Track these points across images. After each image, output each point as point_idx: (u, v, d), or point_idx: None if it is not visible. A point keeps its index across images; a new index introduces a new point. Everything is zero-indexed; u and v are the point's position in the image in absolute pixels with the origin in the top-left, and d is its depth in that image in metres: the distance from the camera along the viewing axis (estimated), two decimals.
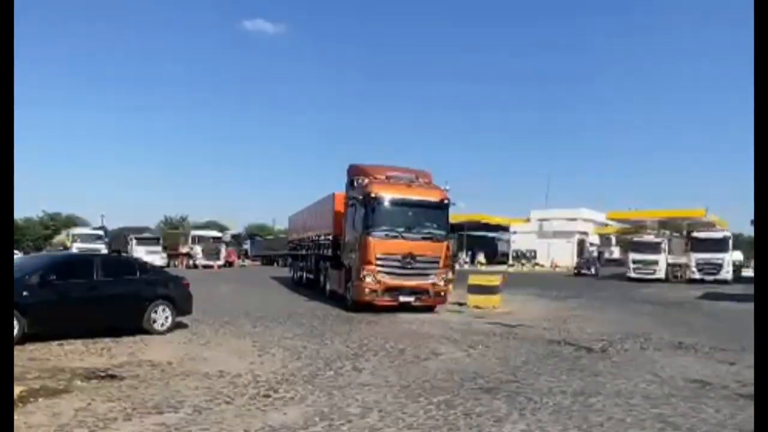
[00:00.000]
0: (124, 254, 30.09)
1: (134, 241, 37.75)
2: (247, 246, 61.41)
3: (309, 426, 5.05)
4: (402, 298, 13.90)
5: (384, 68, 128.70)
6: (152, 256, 32.39)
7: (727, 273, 28.77)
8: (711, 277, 28.50)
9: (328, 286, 17.41)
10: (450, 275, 15.42)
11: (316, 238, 19.57)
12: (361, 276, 13.70)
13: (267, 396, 6.05)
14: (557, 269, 47.81)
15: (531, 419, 5.35)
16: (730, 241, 29.71)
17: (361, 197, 14.22)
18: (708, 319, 13.79)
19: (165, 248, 40.34)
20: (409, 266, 13.85)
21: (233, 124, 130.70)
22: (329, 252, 17.31)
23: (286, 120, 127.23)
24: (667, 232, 34.02)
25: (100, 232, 43.26)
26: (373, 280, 13.64)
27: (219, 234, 47.94)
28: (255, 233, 70.24)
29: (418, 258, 13.94)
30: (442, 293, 14.62)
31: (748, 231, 38.39)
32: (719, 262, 28.83)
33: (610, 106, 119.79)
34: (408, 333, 10.25)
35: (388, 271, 13.78)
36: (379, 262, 13.71)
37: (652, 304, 17.35)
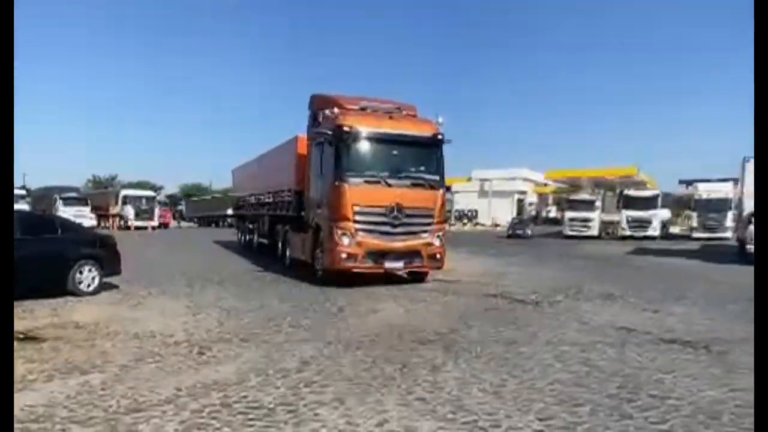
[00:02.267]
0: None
1: (60, 202, 35.62)
2: (182, 207, 59.52)
3: (243, 381, 4.94)
4: (388, 264, 11.01)
5: None
6: (80, 217, 30.82)
7: (655, 230, 30.27)
8: (641, 234, 29.93)
9: (288, 253, 14.29)
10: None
11: (272, 194, 16.30)
12: (335, 237, 10.70)
13: (201, 354, 5.89)
14: (498, 228, 49.08)
15: (465, 367, 5.44)
16: (659, 199, 31.19)
17: (330, 132, 11.09)
18: (636, 273, 14.50)
19: (94, 209, 38.34)
20: (396, 222, 10.93)
21: (165, 77, 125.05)
22: (289, 211, 14.00)
23: (227, 67, 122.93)
24: (602, 191, 35.37)
25: (23, 192, 40.76)
26: (350, 241, 10.67)
27: (152, 194, 45.85)
28: (191, 193, 68.07)
29: (408, 211, 11.02)
30: (438, 256, 11.54)
31: (676, 190, 40.47)
32: (648, 219, 30.26)
33: (550, 70, 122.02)
34: (347, 291, 10.23)
35: (369, 228, 10.81)
36: (357, 218, 10.73)
37: (585, 260, 18.08)
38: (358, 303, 9.08)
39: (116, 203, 40.78)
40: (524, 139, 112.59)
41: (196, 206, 57.18)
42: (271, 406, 4.34)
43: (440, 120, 12.00)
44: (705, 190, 30.46)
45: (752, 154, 19.46)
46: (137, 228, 37.80)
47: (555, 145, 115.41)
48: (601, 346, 6.29)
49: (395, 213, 10.89)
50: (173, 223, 48.02)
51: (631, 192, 32.41)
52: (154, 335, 6.69)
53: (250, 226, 20.47)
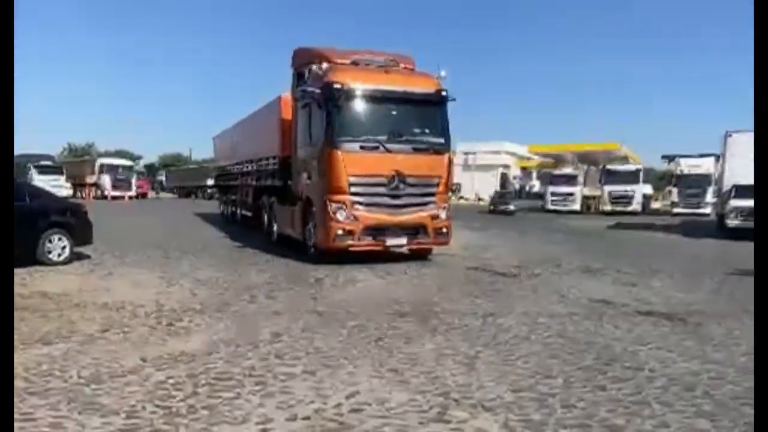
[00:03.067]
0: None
1: (34, 171, 34.69)
2: (162, 177, 58.53)
3: (212, 353, 4.82)
4: (390, 241, 9.95)
5: None
6: (56, 186, 30.15)
7: (637, 204, 30.46)
8: (622, 209, 30.10)
9: (275, 228, 12.96)
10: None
11: (255, 163, 14.87)
12: (329, 211, 9.57)
13: (170, 325, 5.74)
14: (481, 202, 49.12)
15: (441, 339, 5.37)
16: (641, 174, 31.31)
17: (318, 91, 9.85)
18: (616, 247, 14.56)
19: (70, 178, 37.45)
20: (398, 193, 9.82)
21: (145, 41, 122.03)
22: (275, 181, 12.73)
23: (209, 32, 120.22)
24: (585, 166, 35.43)
25: None
26: (346, 216, 9.58)
27: (130, 163, 44.82)
28: (170, 163, 66.80)
29: (411, 180, 9.88)
30: (445, 231, 10.47)
31: (659, 165, 40.69)
32: (630, 194, 30.41)
33: (536, 46, 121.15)
34: (327, 263, 10.09)
35: (367, 201, 9.74)
36: (354, 189, 9.63)
37: (566, 234, 18.13)
38: (336, 275, 8.96)
39: (93, 172, 39.89)
40: (509, 113, 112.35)
41: (175, 176, 56.22)
42: (239, 377, 4.22)
43: (443, 74, 10.75)
44: (686, 166, 30.61)
45: (735, 128, 19.55)
46: (114, 198, 37.17)
47: (539, 120, 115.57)
48: (577, 319, 6.25)
49: (396, 183, 9.74)
50: (152, 194, 47.26)
51: (613, 167, 32.50)
52: (124, 306, 6.52)
53: (233, 197, 19.31)
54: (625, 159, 35.65)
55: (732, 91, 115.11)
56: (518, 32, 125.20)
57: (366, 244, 9.83)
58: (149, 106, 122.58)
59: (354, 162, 9.61)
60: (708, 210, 27.80)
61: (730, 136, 19.20)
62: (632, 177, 30.77)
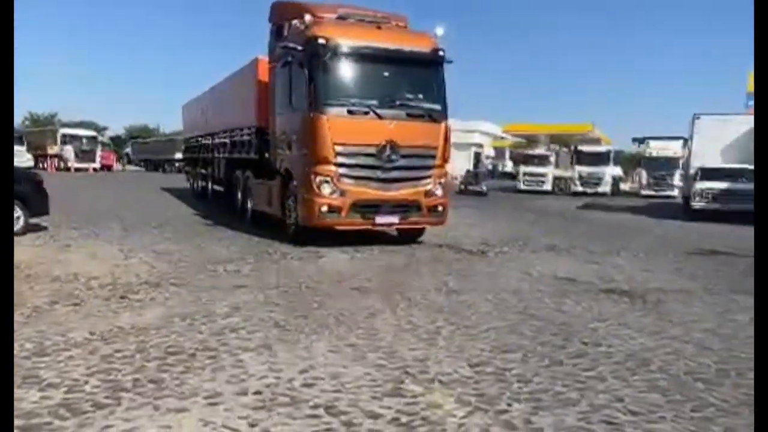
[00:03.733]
0: None
1: None
2: (128, 150, 57.04)
3: (165, 326, 4.67)
4: (381, 219, 9.05)
5: None
6: (16, 156, 29.08)
7: (606, 186, 30.84)
8: (592, 190, 30.47)
9: (249, 204, 12.03)
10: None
11: (228, 133, 13.65)
12: (312, 185, 8.60)
13: (123, 298, 5.55)
14: (455, 181, 49.22)
15: (402, 314, 5.31)
16: (611, 156, 31.68)
17: (300, 48, 8.85)
18: (584, 227, 14.71)
19: (31, 148, 36.11)
20: (390, 165, 8.87)
21: (113, 16, 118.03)
22: (250, 153, 11.60)
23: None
24: (558, 147, 35.70)
25: None
26: (332, 190, 8.65)
27: (94, 134, 43.28)
28: (137, 135, 64.91)
29: (404, 151, 8.93)
30: (441, 209, 9.56)
31: (629, 148, 41.24)
32: (600, 175, 30.77)
33: (510, 26, 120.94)
34: (306, 243, 9.92)
35: (356, 174, 8.81)
36: (340, 160, 8.67)
37: (536, 214, 18.26)
38: (301, 249, 8.82)
39: (55, 143, 38.55)
40: (483, 93, 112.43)
41: (142, 149, 54.73)
42: (192, 351, 4.09)
43: (438, 33, 9.82)
44: (655, 148, 31.06)
45: (703, 111, 19.84)
46: (77, 170, 36.08)
47: (514, 99, 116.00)
48: (540, 296, 6.27)
49: (388, 153, 8.77)
50: (117, 166, 46.05)
51: (585, 148, 32.77)
52: (77, 278, 6.30)
53: (203, 171, 18.04)
54: (597, 141, 36.02)
55: (704, 76, 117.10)
56: (494, 18, 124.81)
57: (354, 222, 8.94)
58: (116, 75, 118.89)
59: (341, 129, 8.63)
60: (675, 192, 28.31)
61: (698, 118, 19.49)
62: (602, 158, 31.10)
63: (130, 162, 54.71)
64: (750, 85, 29.96)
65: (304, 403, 3.27)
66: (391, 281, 6.83)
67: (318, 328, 4.79)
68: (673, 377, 3.85)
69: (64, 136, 38.69)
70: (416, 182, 9.21)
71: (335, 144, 8.63)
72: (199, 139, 18.10)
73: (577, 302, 5.99)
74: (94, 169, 37.70)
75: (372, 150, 8.82)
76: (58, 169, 36.50)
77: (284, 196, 9.69)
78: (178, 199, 18.68)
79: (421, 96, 9.39)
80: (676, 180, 28.69)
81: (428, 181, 9.31)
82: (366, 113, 8.82)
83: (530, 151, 34.98)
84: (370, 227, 9.25)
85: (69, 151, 37.12)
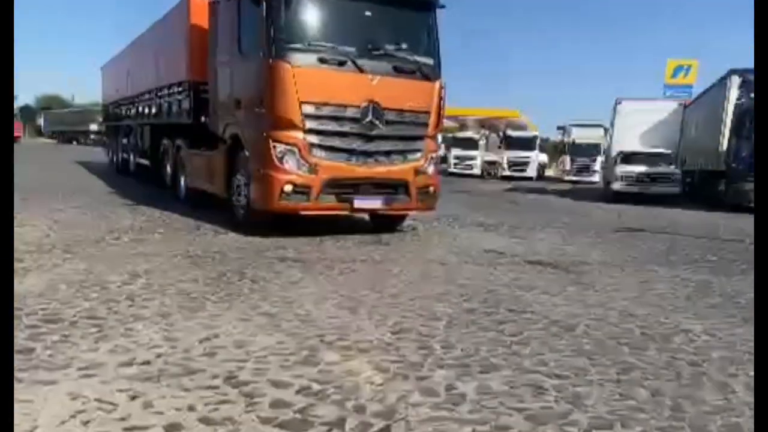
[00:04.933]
0: None
1: None
2: (41, 121, 53.11)
3: (47, 293, 4.08)
4: (360, 203, 7.23)
5: None
6: None
7: (532, 171, 31.66)
8: (519, 174, 31.18)
9: (182, 181, 10.17)
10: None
11: (154, 94, 11.54)
12: (272, 157, 6.76)
13: None
14: None
15: (324, 284, 4.96)
16: (537, 141, 32.56)
17: None
18: (510, 207, 14.88)
19: None
20: (373, 133, 7.15)
21: None
22: (182, 117, 9.59)
23: None
24: (486, 132, 36.27)
25: None
26: (299, 164, 6.81)
27: None
28: (49, 106, 60.27)
29: (390, 115, 7.24)
30: (432, 191, 7.87)
31: (554, 136, 42.56)
32: (527, 160, 31.54)
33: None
34: (213, 212, 9.32)
35: (330, 144, 7.02)
36: (310, 124, 6.85)
37: (465, 195, 18.36)
38: (217, 220, 8.24)
39: None
40: None
41: (55, 120, 50.99)
42: (74, 319, 3.56)
43: None
44: (577, 136, 32.17)
45: (624, 96, 20.59)
46: None
47: (454, 84, 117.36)
48: (467, 266, 6.09)
49: (371, 117, 7.01)
50: (24, 139, 42.64)
51: (512, 133, 33.49)
52: None
53: (125, 141, 15.64)
54: (524, 127, 36.87)
55: (625, 68, 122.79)
56: None
57: (327, 206, 7.10)
58: (26, 40, 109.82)
59: (310, 83, 6.71)
60: (596, 178, 29.47)
61: (620, 103, 20.23)
62: (529, 144, 31.90)
63: (40, 134, 50.86)
64: (667, 76, 31.58)
65: (200, 373, 2.86)
66: (314, 251, 6.45)
67: (228, 297, 4.35)
68: (599, 342, 3.73)
69: None
70: (404, 156, 7.50)
71: (302, 103, 6.70)
72: (121, 104, 15.69)
73: (503, 273, 5.85)
74: None
75: (350, 113, 6.99)
76: None
77: (230, 170, 7.79)
78: (92, 173, 17.28)
79: (409, 46, 7.53)
80: (597, 166, 29.87)
81: (418, 155, 7.59)
82: (342, 63, 6.95)
83: (460, 135, 35.33)
84: (346, 213, 7.41)
85: None
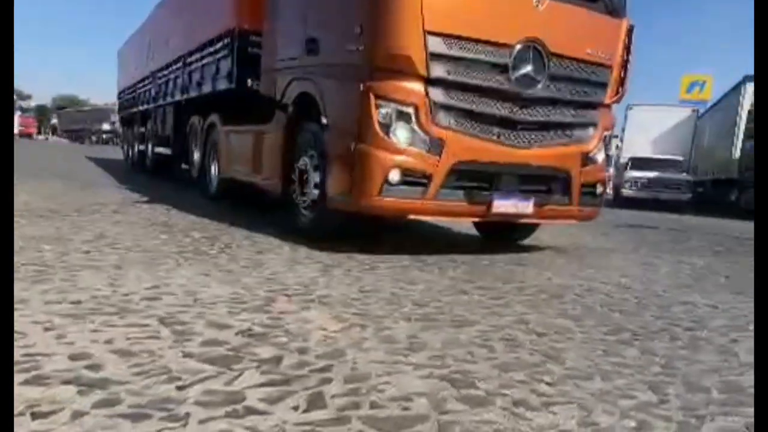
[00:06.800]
0: None
1: None
2: (55, 120, 53.73)
3: None
4: (501, 203, 4.62)
5: None
6: None
7: None
8: None
9: (214, 171, 7.85)
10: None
11: (182, 62, 9.08)
12: (374, 124, 4.26)
13: None
14: None
15: (302, 249, 4.66)
16: None
17: None
18: None
19: None
20: (527, 90, 4.58)
21: None
22: (221, 82, 7.12)
23: None
24: None
25: None
26: (414, 135, 4.31)
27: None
28: (64, 106, 60.86)
29: (558, 63, 4.69)
30: (599, 190, 5.30)
31: None
32: None
33: None
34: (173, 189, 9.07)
35: (463, 106, 4.44)
36: (437, 70, 4.30)
37: None
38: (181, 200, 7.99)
39: None
40: None
41: (68, 118, 51.55)
42: (18, 267, 3.29)
43: None
44: None
45: (637, 102, 20.18)
46: None
47: None
48: (463, 243, 5.77)
49: (530, 67, 4.53)
50: (39, 136, 42.98)
51: None
52: None
53: (142, 129, 13.12)
54: None
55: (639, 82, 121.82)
56: None
57: (451, 208, 4.57)
58: (45, 38, 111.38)
59: (442, 2, 4.28)
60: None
61: (631, 109, 19.83)
62: None
63: (54, 133, 51.37)
64: (682, 91, 30.98)
65: (134, 313, 2.57)
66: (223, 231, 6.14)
67: (196, 257, 4.07)
68: (588, 308, 3.40)
69: None
70: (569, 133, 4.92)
71: (429, 33, 4.21)
72: (139, 86, 13.39)
73: (499, 251, 5.52)
74: None
75: (497, 56, 4.43)
76: None
77: (290, 152, 5.36)
78: (102, 168, 14.95)
79: None
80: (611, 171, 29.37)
81: (591, 132, 5.02)
82: None
83: None
84: (476, 218, 5.03)
85: None
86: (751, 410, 1.92)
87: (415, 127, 4.32)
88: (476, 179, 4.62)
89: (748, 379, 2.28)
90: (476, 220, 5.17)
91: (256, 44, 6.43)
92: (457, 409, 1.80)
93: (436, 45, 4.27)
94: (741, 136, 16.30)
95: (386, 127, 4.28)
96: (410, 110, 4.30)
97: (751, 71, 17.52)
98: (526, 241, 6.17)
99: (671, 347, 2.70)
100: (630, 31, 5.12)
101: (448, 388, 1.97)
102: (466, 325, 2.82)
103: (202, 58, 8.03)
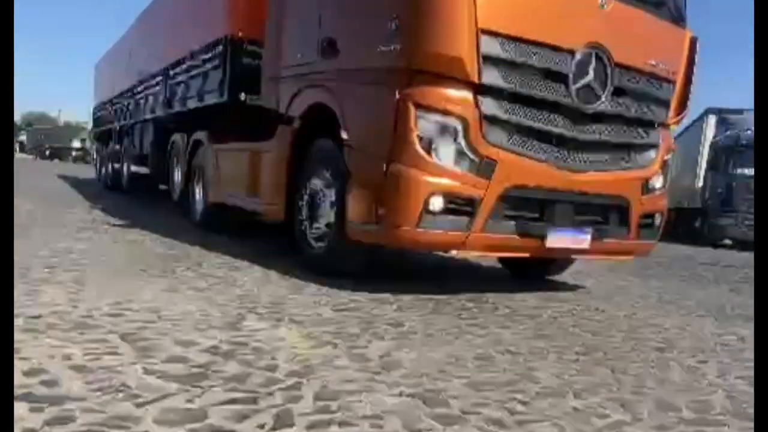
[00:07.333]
0: None
1: None
2: (23, 137, 52.56)
3: None
4: (556, 237, 3.90)
5: None
6: None
7: None
8: None
9: (198, 194, 7.01)
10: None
11: (167, 73, 8.21)
12: (413, 139, 3.50)
13: None
14: None
15: (279, 268, 4.56)
16: None
17: None
18: None
19: None
20: (589, 105, 3.93)
21: None
22: (211, 95, 6.37)
23: None
24: None
25: None
26: (460, 154, 3.57)
27: None
28: (33, 123, 59.58)
29: (622, 75, 4.05)
30: (658, 221, 4.54)
31: None
32: None
33: None
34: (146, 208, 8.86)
35: (519, 121, 3.75)
36: (490, 76, 3.60)
37: None
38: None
39: None
40: None
41: (37, 135, 50.47)
42: None
43: None
44: None
45: None
46: None
47: None
48: (441, 269, 5.75)
49: (591, 77, 3.90)
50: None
51: None
52: None
53: (116, 147, 12.25)
54: None
55: None
56: None
57: (501, 242, 3.89)
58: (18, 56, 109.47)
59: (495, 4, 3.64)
60: None
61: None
62: None
63: (22, 150, 50.23)
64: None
65: (95, 329, 2.47)
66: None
67: (164, 273, 3.96)
68: (562, 329, 3.39)
69: None
70: (628, 156, 4.33)
71: (482, 32, 3.57)
72: (115, 101, 12.42)
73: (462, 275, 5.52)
74: None
75: (556, 63, 3.84)
76: None
77: (295, 172, 4.64)
78: (73, 187, 13.64)
79: None
80: None
81: (653, 155, 4.43)
82: None
83: None
84: (528, 254, 4.18)
85: None
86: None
87: (462, 144, 3.59)
88: (525, 208, 3.93)
89: (720, 399, 2.28)
90: (525, 254, 4.21)
91: (251, 53, 5.78)
92: None
93: (491, 46, 3.60)
94: (704, 166, 16.88)
95: (427, 144, 3.56)
96: (458, 123, 3.58)
97: (712, 104, 18.32)
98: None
99: (642, 366, 2.70)
100: (693, 42, 4.56)
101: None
102: (446, 344, 2.78)
103: (189, 69, 7.28)
